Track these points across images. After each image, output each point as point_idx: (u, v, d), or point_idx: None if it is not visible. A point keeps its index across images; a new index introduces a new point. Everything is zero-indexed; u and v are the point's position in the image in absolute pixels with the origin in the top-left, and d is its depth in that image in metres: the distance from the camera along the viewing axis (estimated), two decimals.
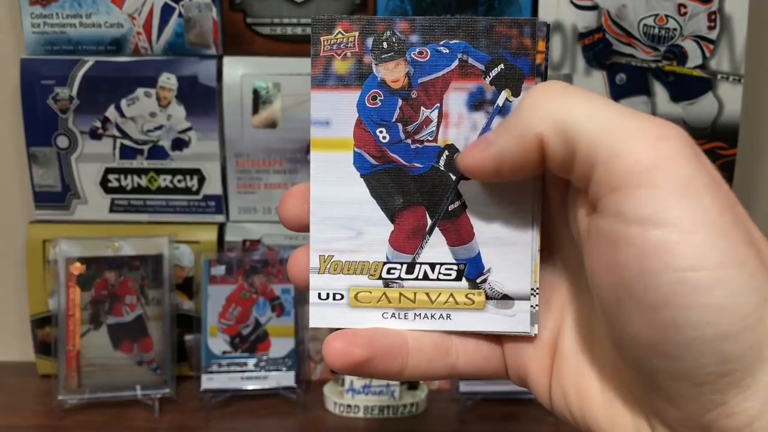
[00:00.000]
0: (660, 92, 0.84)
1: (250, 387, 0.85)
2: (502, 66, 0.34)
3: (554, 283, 0.35)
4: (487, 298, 0.35)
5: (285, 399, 0.86)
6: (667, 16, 0.82)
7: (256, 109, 0.85)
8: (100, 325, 0.86)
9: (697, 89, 0.84)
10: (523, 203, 0.34)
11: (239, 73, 0.85)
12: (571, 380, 0.34)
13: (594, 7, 0.82)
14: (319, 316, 0.35)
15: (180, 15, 0.84)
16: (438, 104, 0.34)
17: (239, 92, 0.85)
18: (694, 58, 0.83)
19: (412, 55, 0.34)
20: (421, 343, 0.35)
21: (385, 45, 0.34)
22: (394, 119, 0.34)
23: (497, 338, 0.36)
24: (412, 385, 0.86)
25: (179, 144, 0.86)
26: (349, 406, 0.84)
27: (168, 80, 0.85)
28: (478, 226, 0.34)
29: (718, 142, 0.85)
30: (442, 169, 0.34)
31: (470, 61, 0.34)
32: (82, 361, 0.85)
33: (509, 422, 0.83)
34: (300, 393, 0.85)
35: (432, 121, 0.34)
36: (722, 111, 0.84)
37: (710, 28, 0.82)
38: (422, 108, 0.34)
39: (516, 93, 0.34)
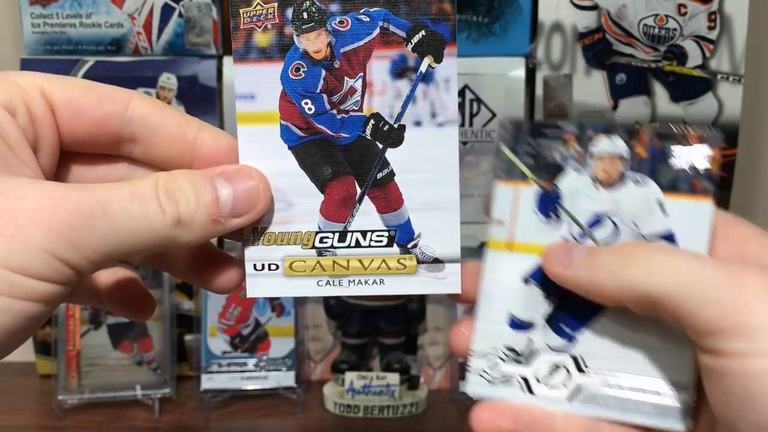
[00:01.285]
0: (660, 92, 0.84)
1: (250, 387, 0.85)
2: (423, 33, 0.34)
3: None
4: (419, 262, 0.35)
5: (285, 399, 0.86)
6: (667, 16, 0.82)
7: None
8: (100, 325, 0.86)
9: (697, 89, 0.84)
10: (450, 169, 0.35)
11: None
12: None
13: (594, 7, 0.82)
14: (255, 287, 0.35)
15: (180, 15, 0.84)
16: (362, 73, 0.34)
17: None
18: (694, 58, 0.83)
19: (333, 25, 0.34)
20: (571, 426, 0.35)
21: (305, 15, 0.33)
22: (318, 90, 0.34)
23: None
24: (412, 385, 0.86)
25: None
26: (349, 406, 0.84)
27: (168, 80, 0.85)
28: (407, 192, 0.35)
29: None
30: (369, 138, 0.35)
31: (391, 28, 0.34)
32: (82, 361, 0.85)
33: None
34: (300, 393, 0.85)
35: (356, 91, 0.34)
36: (722, 111, 0.84)
37: (710, 28, 0.82)
38: (346, 78, 0.34)
39: (438, 59, 0.34)
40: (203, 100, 0.85)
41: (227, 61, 0.85)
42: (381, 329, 0.88)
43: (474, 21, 0.84)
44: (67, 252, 0.28)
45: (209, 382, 0.85)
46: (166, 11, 0.84)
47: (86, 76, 0.84)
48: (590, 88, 0.84)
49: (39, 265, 0.28)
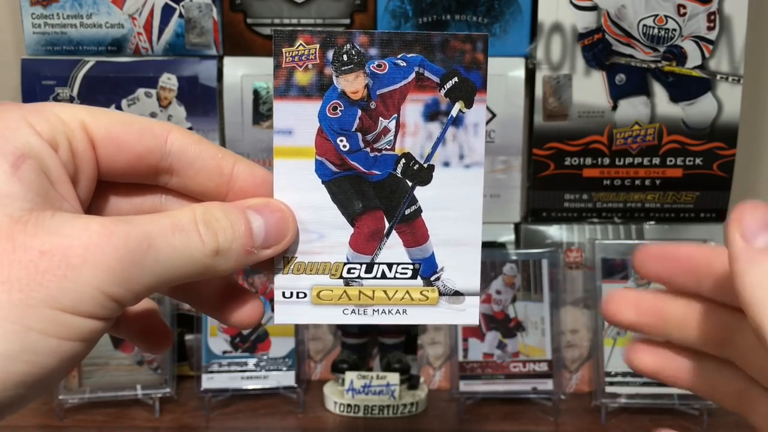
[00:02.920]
0: (659, 92, 0.84)
1: (251, 387, 0.86)
2: (456, 79, 0.36)
3: None
4: (440, 294, 0.37)
5: (285, 399, 0.86)
6: (666, 16, 0.82)
7: (256, 110, 0.86)
8: None
9: (696, 89, 0.84)
10: (474, 208, 0.37)
11: (239, 73, 0.85)
12: None
13: (594, 8, 0.82)
14: (283, 313, 0.37)
15: (180, 15, 0.84)
16: (396, 115, 0.36)
17: (239, 92, 0.86)
18: (694, 58, 0.83)
19: (371, 68, 0.35)
20: None
21: (345, 57, 0.35)
22: (353, 129, 0.36)
23: None
24: (412, 385, 0.86)
25: None
26: (349, 405, 0.84)
27: (168, 80, 0.85)
28: (433, 228, 0.37)
29: (717, 143, 0.85)
30: (399, 175, 0.37)
31: (426, 74, 0.36)
32: (82, 360, 0.85)
33: (509, 422, 0.83)
34: (300, 393, 0.86)
35: (390, 131, 0.36)
36: (721, 111, 0.84)
37: (709, 28, 0.82)
38: (380, 118, 0.36)
39: (469, 105, 0.36)
40: (203, 101, 0.85)
41: (227, 61, 0.85)
42: (381, 329, 0.88)
43: (474, 21, 0.84)
44: (114, 287, 0.29)
45: (209, 381, 0.85)
46: (167, 12, 0.84)
47: (87, 76, 0.84)
48: (590, 89, 0.84)
49: (89, 303, 0.28)
